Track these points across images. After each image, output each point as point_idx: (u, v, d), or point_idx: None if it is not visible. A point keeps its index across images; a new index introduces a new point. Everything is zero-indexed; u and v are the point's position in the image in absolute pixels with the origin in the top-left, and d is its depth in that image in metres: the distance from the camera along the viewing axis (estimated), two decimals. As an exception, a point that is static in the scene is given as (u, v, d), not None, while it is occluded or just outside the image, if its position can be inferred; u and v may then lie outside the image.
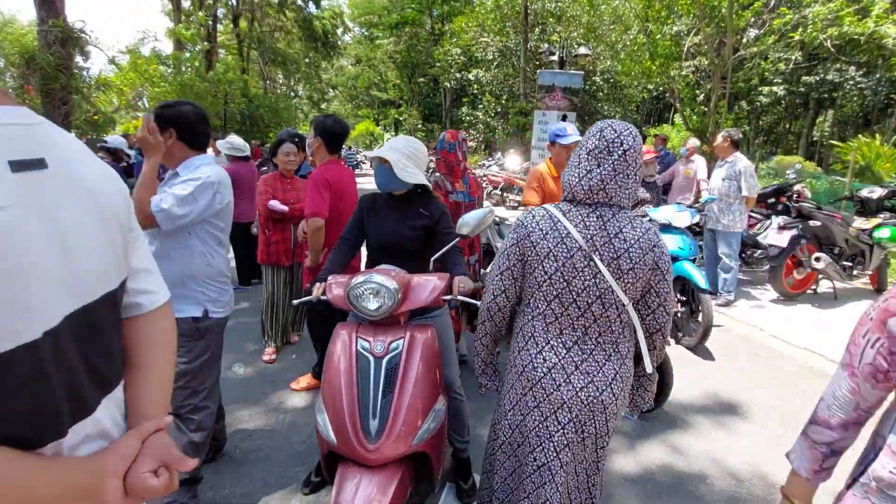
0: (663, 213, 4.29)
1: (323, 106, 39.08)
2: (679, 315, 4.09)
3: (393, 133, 38.52)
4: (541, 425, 1.52)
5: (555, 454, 1.51)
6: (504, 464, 1.65)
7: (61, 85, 8.96)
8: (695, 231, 5.08)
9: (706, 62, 14.26)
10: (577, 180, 1.46)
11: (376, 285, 1.71)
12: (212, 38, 19.37)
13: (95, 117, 9.90)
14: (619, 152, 1.42)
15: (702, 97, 10.57)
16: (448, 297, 1.89)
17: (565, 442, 1.50)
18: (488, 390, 1.79)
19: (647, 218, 4.36)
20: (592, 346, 1.47)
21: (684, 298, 4.11)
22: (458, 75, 23.98)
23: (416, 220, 2.17)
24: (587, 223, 1.44)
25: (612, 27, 13.18)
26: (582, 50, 11.23)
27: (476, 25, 20.85)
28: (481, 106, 21.90)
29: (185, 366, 2.11)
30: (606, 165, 1.42)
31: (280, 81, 32.43)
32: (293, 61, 26.94)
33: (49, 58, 8.72)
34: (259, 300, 3.95)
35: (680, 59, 9.01)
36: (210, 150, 6.01)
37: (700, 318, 3.93)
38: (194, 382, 2.15)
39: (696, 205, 4.79)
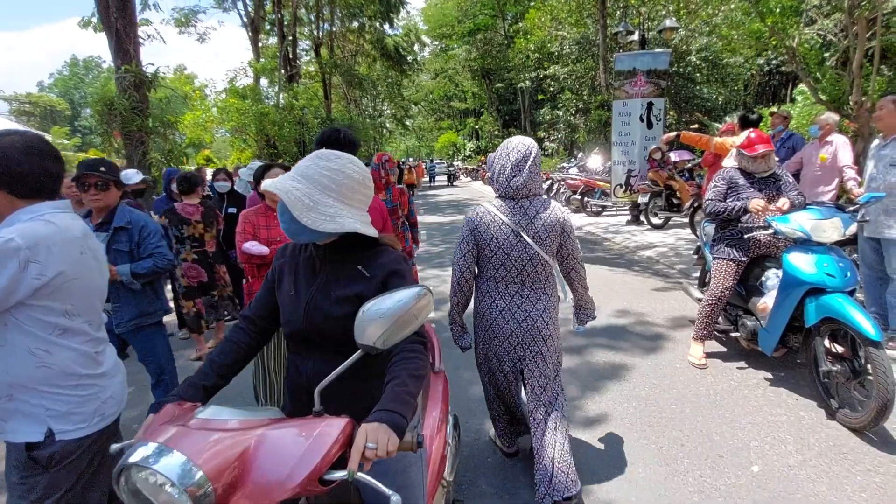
0: (796, 222, 2.92)
1: (407, 122, 39.56)
2: (833, 375, 2.71)
3: (474, 142, 37.84)
4: (500, 348, 2.27)
5: (511, 366, 2.30)
6: (484, 380, 2.45)
7: (137, 126, 9.43)
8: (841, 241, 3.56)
9: (830, 23, 11.64)
10: (507, 184, 2.17)
11: (161, 475, 0.84)
12: (291, 67, 20.14)
13: (170, 152, 10.54)
14: (531, 160, 2.15)
15: (833, 60, 8.40)
16: (336, 477, 0.93)
17: (518, 357, 2.27)
18: (466, 349, 2.40)
19: (771, 230, 3.02)
20: (528, 292, 2.23)
21: (841, 351, 2.72)
22: (533, 74, 22.70)
23: (346, 287, 1.29)
24: (514, 212, 2.17)
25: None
26: (668, 23, 9.56)
27: (550, 20, 19.46)
28: (561, 105, 20.39)
29: None
30: (524, 170, 2.14)
31: (364, 104, 33.26)
32: (372, 82, 27.34)
33: (125, 102, 9.21)
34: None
35: (800, 15, 7.12)
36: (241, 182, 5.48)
37: (874, 385, 2.44)
38: (40, 537, 1.44)
39: (852, 207, 3.25)
